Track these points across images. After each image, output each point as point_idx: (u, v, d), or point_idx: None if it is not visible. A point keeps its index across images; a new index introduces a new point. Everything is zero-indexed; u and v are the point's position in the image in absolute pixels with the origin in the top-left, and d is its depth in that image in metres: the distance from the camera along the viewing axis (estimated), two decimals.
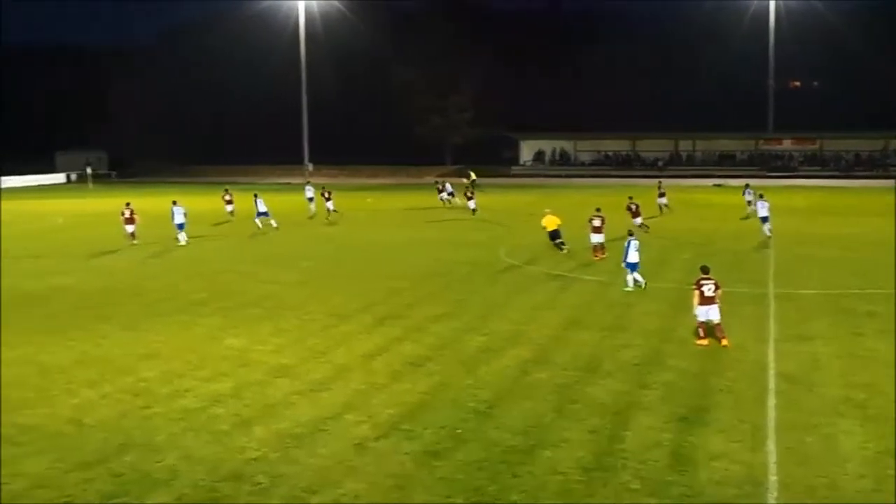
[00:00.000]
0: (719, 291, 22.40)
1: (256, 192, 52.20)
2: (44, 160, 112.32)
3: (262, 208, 49.36)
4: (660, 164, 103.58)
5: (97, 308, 27.93)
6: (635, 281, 29.37)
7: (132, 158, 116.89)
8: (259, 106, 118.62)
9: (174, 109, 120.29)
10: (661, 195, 54.92)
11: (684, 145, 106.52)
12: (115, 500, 13.50)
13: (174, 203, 44.00)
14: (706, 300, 22.17)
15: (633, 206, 43.88)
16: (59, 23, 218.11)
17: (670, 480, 14.13)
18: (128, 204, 44.75)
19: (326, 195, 54.89)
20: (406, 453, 15.32)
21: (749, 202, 51.17)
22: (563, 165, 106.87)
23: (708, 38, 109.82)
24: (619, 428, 16.47)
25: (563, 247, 37.70)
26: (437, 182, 68.64)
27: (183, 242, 42.92)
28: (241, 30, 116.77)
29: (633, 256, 29.09)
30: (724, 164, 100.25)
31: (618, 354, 21.56)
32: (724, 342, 22.09)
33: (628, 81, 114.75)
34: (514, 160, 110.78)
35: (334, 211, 54.12)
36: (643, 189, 73.25)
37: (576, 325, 24.75)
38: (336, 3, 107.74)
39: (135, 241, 43.03)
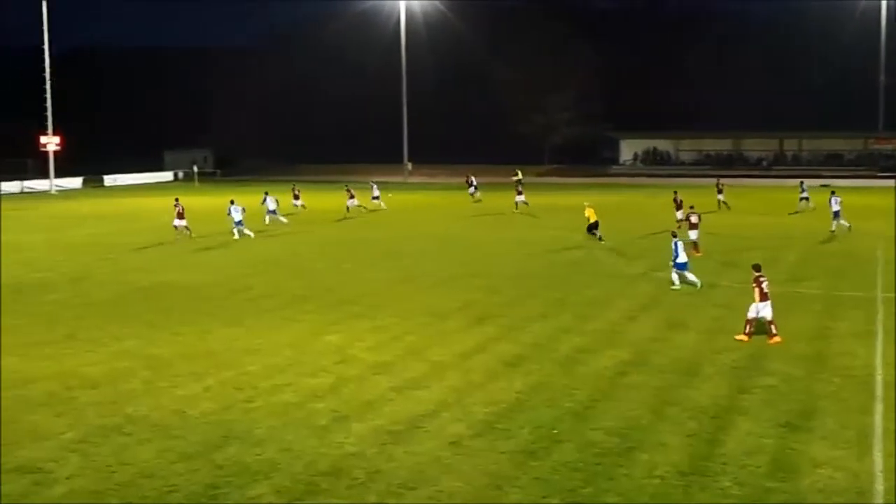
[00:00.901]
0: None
1: (267, 190, 54.09)
2: (153, 158, 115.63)
3: (272, 206, 50.62)
4: (764, 163, 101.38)
5: (202, 303, 28.63)
6: (689, 281, 29.56)
7: (237, 157, 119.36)
8: (360, 105, 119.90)
9: (278, 109, 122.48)
10: (720, 192, 57.47)
11: (789, 144, 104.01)
12: (217, 492, 13.81)
13: (231, 203, 45.60)
14: (763, 297, 22.39)
15: (678, 200, 45.56)
16: (168, 24, 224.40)
17: (771, 487, 13.83)
18: (177, 200, 46.98)
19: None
20: (502, 452, 15.32)
21: (803, 198, 54.88)
22: (664, 165, 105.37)
23: (816, 35, 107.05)
24: (719, 432, 16.19)
25: (599, 237, 41.07)
26: (466, 177, 71.45)
27: (237, 237, 44.52)
28: (345, 29, 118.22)
29: (683, 257, 29.59)
30: (832, 164, 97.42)
31: (718, 357, 21.20)
32: (776, 339, 22.19)
33: (732, 80, 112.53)
34: (614, 160, 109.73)
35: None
36: (747, 189, 71.88)
37: (675, 326, 24.42)
38: (437, 3, 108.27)
39: (189, 235, 44.78)
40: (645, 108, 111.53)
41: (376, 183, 65.73)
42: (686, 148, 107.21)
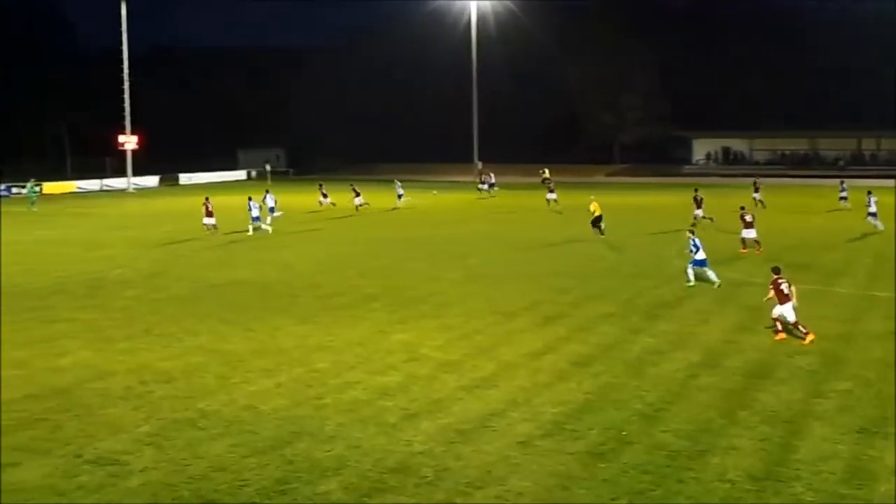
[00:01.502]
0: (793, 289, 22.89)
1: (268, 188, 56.91)
2: (227, 157, 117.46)
3: (271, 203, 51.82)
4: (840, 163, 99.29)
5: (274, 300, 29.00)
6: (709, 279, 29.89)
7: (309, 156, 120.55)
8: (431, 104, 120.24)
9: (350, 108, 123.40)
10: (756, 190, 59.00)
11: (867, 144, 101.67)
12: (286, 486, 13.97)
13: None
14: (785, 298, 22.66)
15: (698, 199, 48.16)
16: (243, 23, 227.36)
17: (846, 494, 13.56)
18: (206, 199, 48.81)
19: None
20: (570, 453, 15.25)
21: (842, 198, 56.92)
22: (737, 165, 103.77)
23: None
24: (792, 437, 15.91)
25: (601, 231, 43.56)
26: (480, 173, 75.87)
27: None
28: (417, 29, 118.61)
29: (701, 254, 30.00)
30: None
31: (792, 360, 20.82)
32: (810, 337, 22.30)
33: (807, 78, 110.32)
34: (686, 159, 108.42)
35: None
36: (824, 190, 70.41)
37: (747, 328, 24.06)
38: (508, 3, 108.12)
39: (216, 230, 46.50)
40: (719, 106, 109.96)
41: (401, 182, 66.92)
42: (761, 147, 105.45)
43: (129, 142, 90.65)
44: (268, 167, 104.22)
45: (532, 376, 19.82)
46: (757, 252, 37.04)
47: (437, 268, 35.59)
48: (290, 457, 15.13)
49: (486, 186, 74.64)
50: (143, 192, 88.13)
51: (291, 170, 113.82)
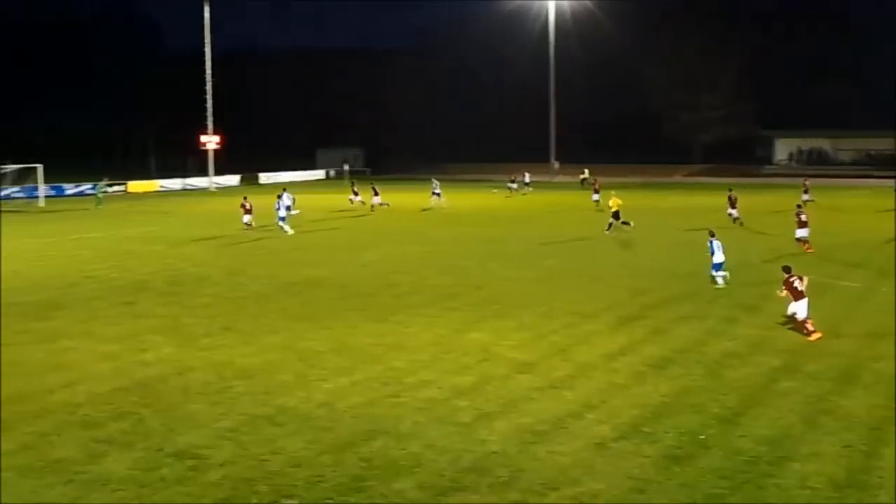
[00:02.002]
0: (805, 281, 23.40)
1: (285, 187, 58.62)
2: (307, 156, 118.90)
3: (287, 202, 51.59)
4: None
5: (351, 299, 29.26)
6: (717, 281, 30.31)
7: (387, 156, 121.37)
8: (508, 105, 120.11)
9: (428, 108, 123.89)
10: (806, 191, 60.07)
11: None
12: (362, 484, 14.09)
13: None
14: (799, 295, 23.03)
15: (733, 198, 50.00)
16: (323, 25, 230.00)
17: None
18: (245, 197, 51.06)
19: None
20: (646, 456, 15.11)
21: None
22: (821, 165, 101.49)
23: None
24: (877, 444, 15.53)
25: (610, 226, 45.80)
26: (512, 175, 78.65)
27: (289, 230, 47.38)
28: (494, 29, 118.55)
29: (718, 256, 30.23)
30: None
31: (876, 365, 20.33)
32: (816, 335, 22.65)
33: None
34: (768, 159, 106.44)
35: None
36: None
37: (830, 332, 23.50)
38: (587, 3, 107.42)
39: (252, 227, 48.31)
40: (802, 105, 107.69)
41: (439, 181, 67.24)
42: (845, 147, 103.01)
43: (210, 142, 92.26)
44: (346, 167, 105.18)
45: (608, 378, 19.69)
46: (808, 250, 37.50)
47: (514, 267, 35.53)
48: (366, 454, 15.26)
49: (514, 185, 77.39)
50: (224, 190, 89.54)
51: (369, 169, 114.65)
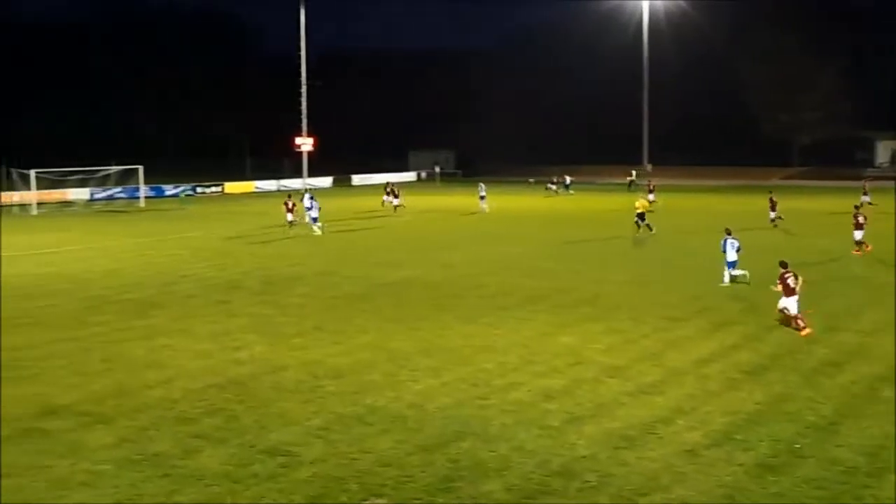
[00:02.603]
0: (800, 281, 24.07)
1: (311, 191, 60.28)
2: (399, 159, 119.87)
3: (308, 204, 51.74)
4: None
5: (440, 300, 29.39)
6: (734, 277, 31.00)
7: (479, 158, 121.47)
8: (601, 106, 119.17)
9: (520, 110, 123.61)
10: (865, 193, 59.90)
11: None
12: (451, 485, 14.14)
13: (307, 191, 52.02)
14: (790, 291, 23.87)
15: (773, 201, 51.13)
16: (416, 26, 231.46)
17: None
18: (289, 196, 52.71)
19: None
20: (739, 464, 14.83)
21: None
22: None
23: None
24: None
25: (649, 227, 46.30)
26: (554, 178, 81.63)
27: (319, 231, 48.51)
28: (587, 30, 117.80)
29: (732, 255, 30.79)
30: None
31: None
32: (806, 331, 23.46)
33: None
34: (869, 161, 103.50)
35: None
36: None
37: None
38: (681, 2, 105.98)
39: (295, 224, 49.61)
40: None
41: (485, 184, 67.76)
42: None
43: (305, 143, 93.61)
44: (437, 168, 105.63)
45: (700, 384, 19.38)
46: (866, 250, 38.42)
47: (603, 270, 35.27)
48: (455, 455, 15.30)
49: (554, 187, 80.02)
50: (317, 192, 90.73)
51: (460, 171, 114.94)
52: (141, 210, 69.77)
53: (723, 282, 31.05)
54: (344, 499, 13.67)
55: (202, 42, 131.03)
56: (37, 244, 45.51)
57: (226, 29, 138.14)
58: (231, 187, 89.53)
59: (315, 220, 49.08)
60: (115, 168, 77.14)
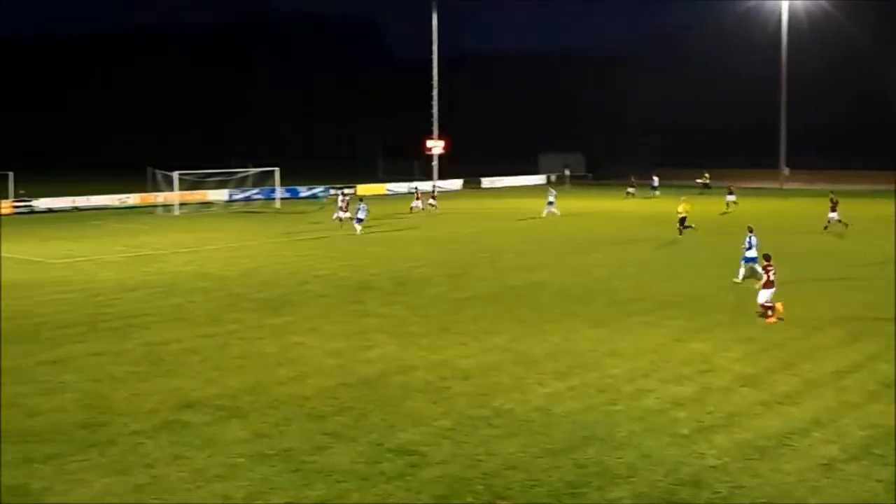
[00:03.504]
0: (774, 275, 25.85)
1: (362, 197, 63.33)
2: (529, 161, 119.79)
3: (361, 214, 51.55)
4: None
5: (569, 303, 29.25)
6: (746, 275, 31.80)
7: (608, 161, 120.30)
8: (737, 108, 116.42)
9: (649, 113, 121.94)
10: None
11: None
12: (577, 490, 14.07)
13: (361, 199, 55.32)
14: (769, 284, 25.90)
15: (834, 201, 50.39)
16: (545, 29, 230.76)
17: None
18: (344, 194, 56.71)
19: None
20: (878, 480, 14.30)
21: None
22: None
23: None
24: None
25: (688, 228, 47.30)
26: (632, 179, 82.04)
27: (358, 232, 50.20)
28: (728, 30, 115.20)
29: (753, 251, 31.67)
30: None
31: None
32: (771, 320, 25.32)
33: None
34: None
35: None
36: None
37: None
38: (822, 2, 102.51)
39: (343, 220, 52.91)
40: None
41: (555, 190, 67.41)
42: None
43: (436, 146, 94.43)
44: (567, 171, 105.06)
45: (838, 395, 18.75)
46: None
47: (733, 276, 34.36)
48: (582, 461, 15.22)
49: (633, 191, 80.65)
50: (446, 194, 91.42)
51: (590, 174, 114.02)
52: (277, 211, 71.60)
53: (736, 278, 32.17)
54: (470, 499, 13.76)
55: (336, 45, 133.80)
56: (179, 243, 47.34)
57: (359, 33, 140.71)
58: (363, 189, 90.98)
59: (360, 220, 50.66)
60: (252, 170, 79.42)
